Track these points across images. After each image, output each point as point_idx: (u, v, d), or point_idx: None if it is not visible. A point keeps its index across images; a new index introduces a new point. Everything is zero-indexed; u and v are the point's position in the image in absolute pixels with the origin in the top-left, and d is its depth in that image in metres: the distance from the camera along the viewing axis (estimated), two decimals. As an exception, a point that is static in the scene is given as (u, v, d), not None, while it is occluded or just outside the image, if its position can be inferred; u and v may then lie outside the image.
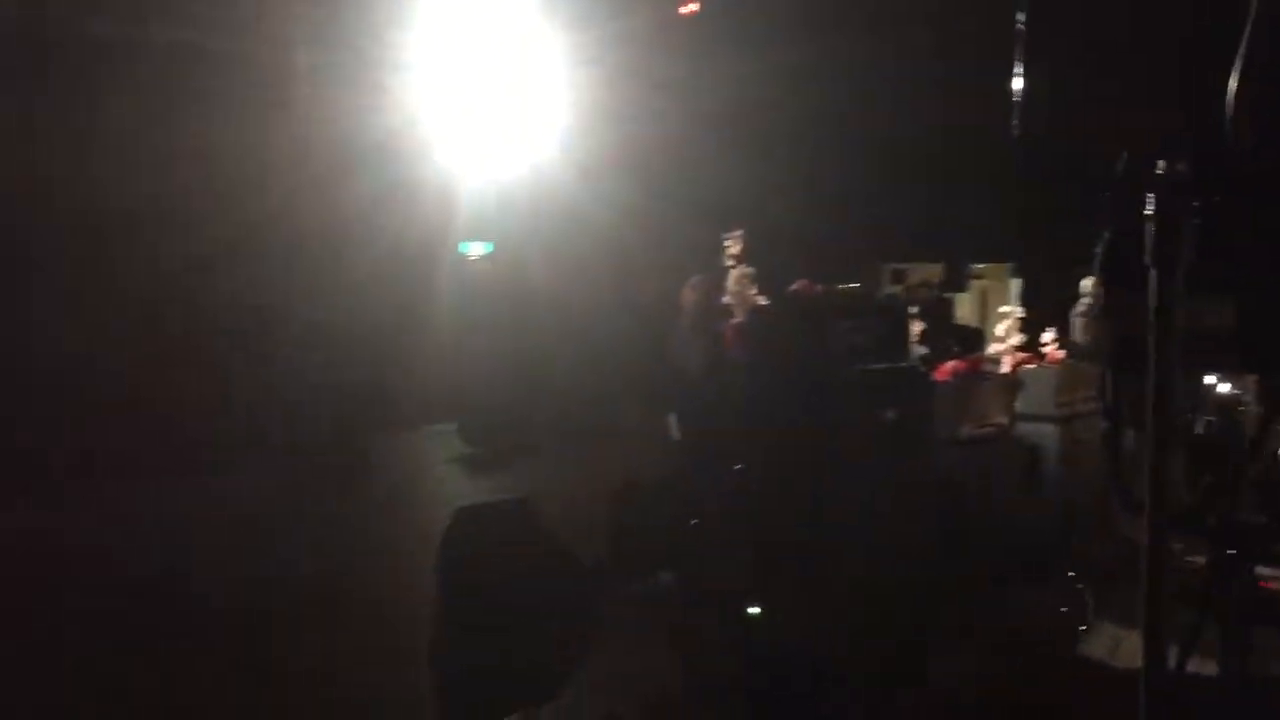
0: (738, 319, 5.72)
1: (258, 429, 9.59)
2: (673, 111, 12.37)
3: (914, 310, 6.81)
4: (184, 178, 9.51)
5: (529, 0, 12.32)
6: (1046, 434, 6.96)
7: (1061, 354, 7.36)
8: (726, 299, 5.77)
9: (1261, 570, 5.61)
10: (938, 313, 7.73)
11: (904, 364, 5.63)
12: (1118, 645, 4.89)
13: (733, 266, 5.80)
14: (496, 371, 10.84)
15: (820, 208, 10.89)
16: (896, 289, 10.67)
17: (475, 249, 12.61)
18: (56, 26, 9.56)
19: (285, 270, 10.40)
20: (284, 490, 8.37)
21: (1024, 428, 6.99)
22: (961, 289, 12.44)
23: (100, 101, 9.47)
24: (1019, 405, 7.09)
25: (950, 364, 6.54)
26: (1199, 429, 6.45)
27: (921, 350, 6.46)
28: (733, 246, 5.85)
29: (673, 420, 6.27)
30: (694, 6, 12.83)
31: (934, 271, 11.44)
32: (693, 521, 5.48)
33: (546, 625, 5.23)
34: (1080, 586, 5.41)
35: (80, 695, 4.82)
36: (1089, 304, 8.40)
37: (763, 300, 5.69)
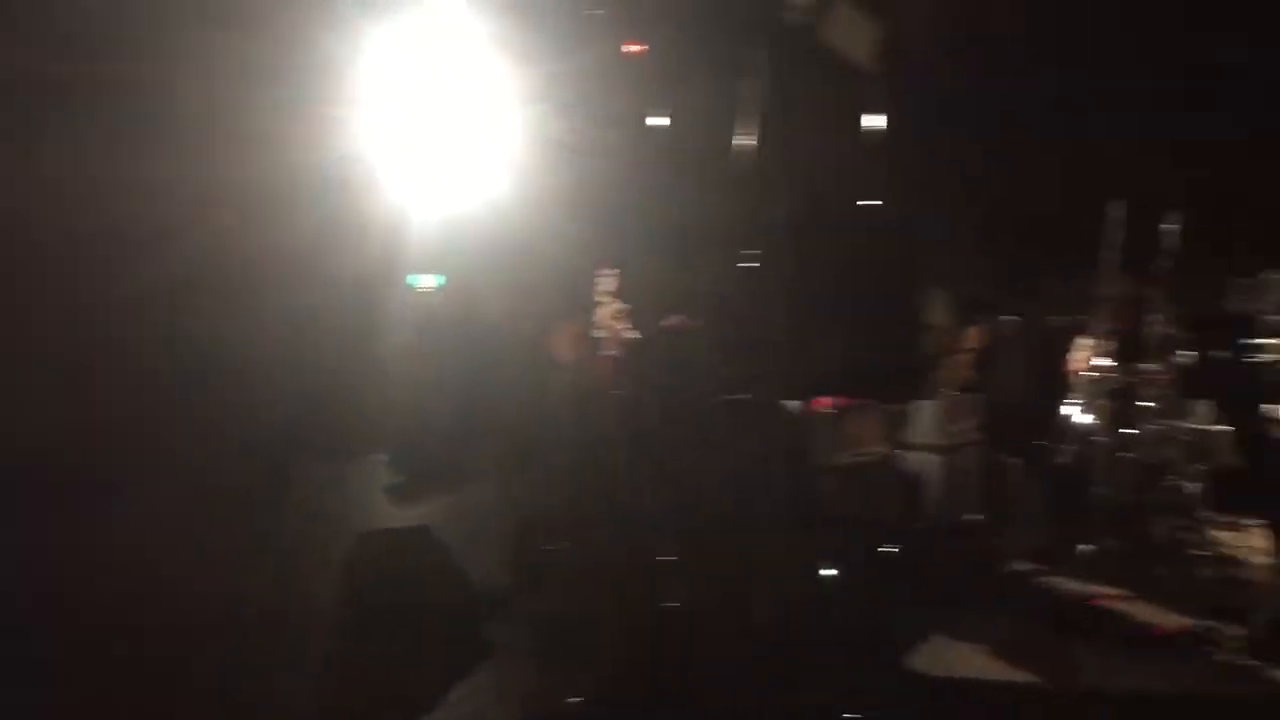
0: (610, 353, 6.00)
1: (194, 458, 9.82)
2: (622, 147, 12.63)
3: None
4: (127, 211, 9.78)
5: (480, 35, 12.58)
6: (931, 462, 7.22)
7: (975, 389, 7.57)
8: (600, 333, 6.04)
9: (1092, 588, 5.92)
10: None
11: (765, 396, 5.91)
12: (954, 657, 5.15)
13: (605, 303, 6.08)
14: (438, 401, 11.05)
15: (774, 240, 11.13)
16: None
17: (425, 281, 12.85)
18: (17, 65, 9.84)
19: (228, 302, 10.65)
20: (207, 513, 8.58)
21: (909, 456, 7.25)
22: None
23: (49, 135, 9.74)
24: (906, 435, 7.35)
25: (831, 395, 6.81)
26: (1062, 459, 6.75)
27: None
28: (605, 283, 6.13)
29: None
30: (638, 47, 13.13)
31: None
32: (548, 548, 5.76)
33: (435, 644, 5.52)
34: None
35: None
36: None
37: (634, 334, 5.96)
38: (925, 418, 7.29)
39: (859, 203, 7.04)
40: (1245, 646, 5.01)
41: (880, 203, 7.15)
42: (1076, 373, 6.95)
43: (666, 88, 6.94)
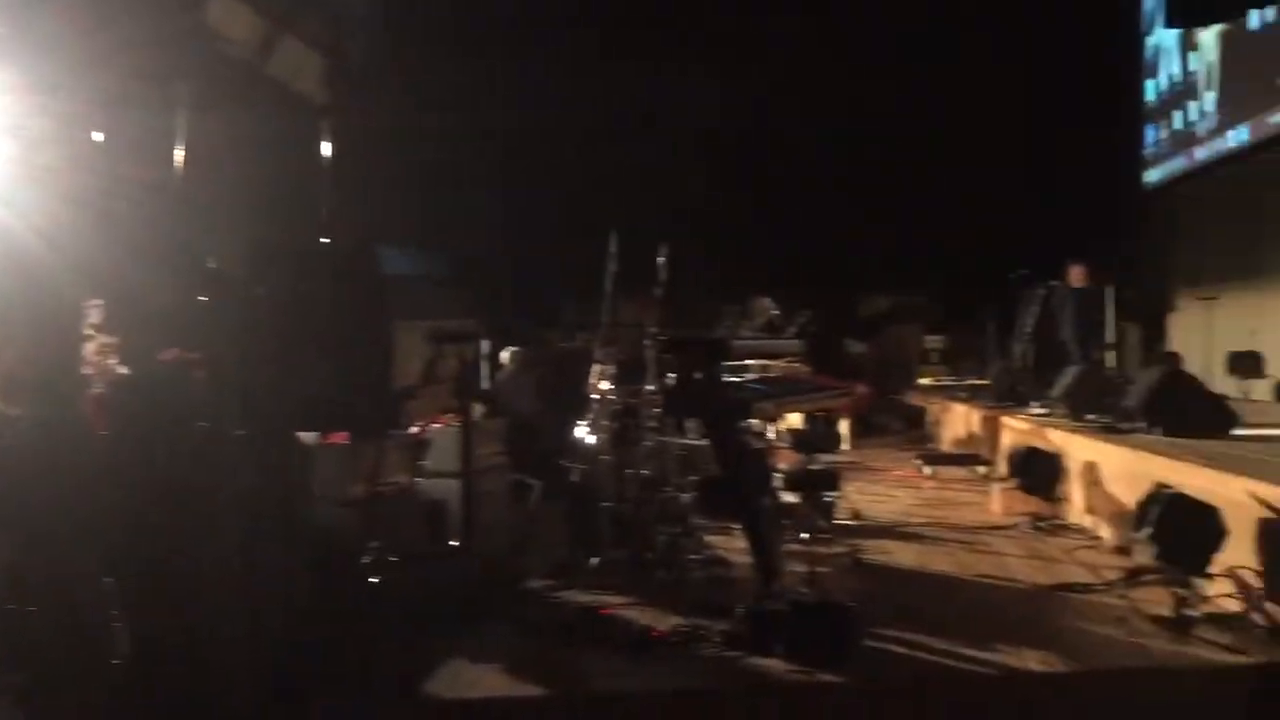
0: (98, 390, 5.53)
1: None
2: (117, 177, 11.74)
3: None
4: None
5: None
6: (452, 488, 7.30)
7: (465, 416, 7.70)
8: (87, 370, 5.56)
9: (601, 598, 6.25)
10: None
11: (272, 430, 5.72)
12: (470, 678, 5.22)
13: (91, 336, 5.61)
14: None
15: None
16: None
17: None
18: None
19: None
20: None
21: (431, 484, 7.30)
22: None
23: None
24: (429, 463, 7.39)
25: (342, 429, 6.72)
26: (574, 478, 7.10)
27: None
28: (93, 315, 5.66)
29: None
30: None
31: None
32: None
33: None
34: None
35: None
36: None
37: (124, 370, 5.55)
38: (445, 445, 7.37)
39: (319, 237, 7.08)
40: (727, 640, 5.48)
41: (334, 238, 7.23)
42: (587, 395, 7.35)
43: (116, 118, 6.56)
